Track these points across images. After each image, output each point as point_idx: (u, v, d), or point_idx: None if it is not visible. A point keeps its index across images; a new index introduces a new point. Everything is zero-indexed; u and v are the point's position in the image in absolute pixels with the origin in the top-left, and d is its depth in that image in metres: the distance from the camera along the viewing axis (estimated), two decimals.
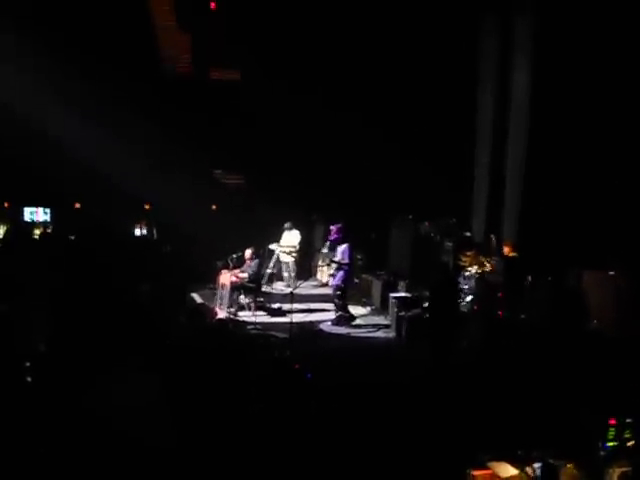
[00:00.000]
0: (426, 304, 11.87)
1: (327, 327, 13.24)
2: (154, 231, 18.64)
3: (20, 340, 8.90)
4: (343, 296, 13.50)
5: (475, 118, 16.04)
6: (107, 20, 16.20)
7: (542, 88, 13.21)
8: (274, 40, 16.70)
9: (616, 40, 11.60)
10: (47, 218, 18.61)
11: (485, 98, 15.73)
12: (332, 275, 13.93)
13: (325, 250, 14.79)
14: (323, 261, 17.80)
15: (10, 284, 10.08)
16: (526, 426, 7.37)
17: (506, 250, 13.00)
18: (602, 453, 6.70)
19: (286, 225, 16.50)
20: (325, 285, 17.53)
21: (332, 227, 13.82)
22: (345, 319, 13.38)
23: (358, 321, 13.66)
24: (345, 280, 13.46)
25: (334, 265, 13.74)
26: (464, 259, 13.44)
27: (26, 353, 8.57)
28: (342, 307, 13.47)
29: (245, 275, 14.14)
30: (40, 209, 18.69)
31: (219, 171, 20.40)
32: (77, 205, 19.01)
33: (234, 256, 14.27)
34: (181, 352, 8.87)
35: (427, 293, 12.12)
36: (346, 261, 13.31)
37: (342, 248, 13.37)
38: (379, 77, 16.52)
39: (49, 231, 17.82)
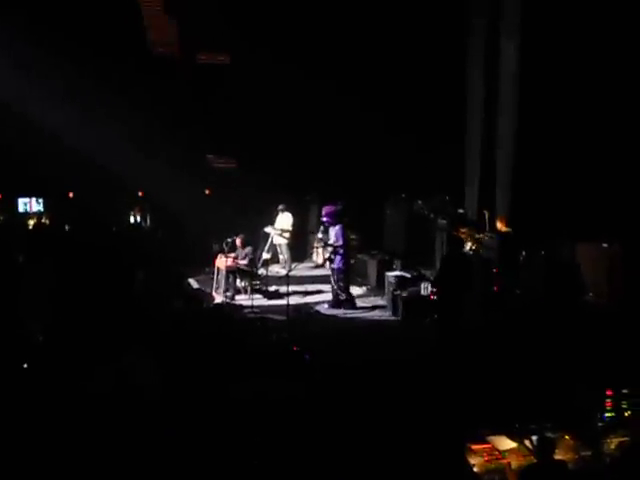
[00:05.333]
0: (433, 277, 11.83)
1: (324, 309, 13.21)
2: (147, 218, 18.60)
3: (19, 330, 8.94)
4: (344, 278, 13.30)
5: (465, 92, 15.95)
6: (95, 10, 16.09)
7: (531, 59, 13.08)
8: (259, 18, 16.51)
9: (605, 13, 11.57)
10: (40, 208, 18.55)
11: (474, 73, 15.62)
12: (329, 259, 13.48)
13: (320, 235, 14.56)
14: (317, 243, 17.78)
15: (6, 275, 10.11)
16: (523, 400, 7.45)
17: (499, 225, 13.02)
18: (600, 424, 6.79)
19: (280, 207, 16.39)
20: (321, 266, 17.52)
21: (323, 209, 13.59)
22: (348, 302, 13.19)
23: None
24: (345, 262, 13.23)
25: (329, 248, 13.42)
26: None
27: (25, 343, 8.61)
28: (344, 290, 13.26)
29: (245, 262, 14.14)
30: (33, 199, 18.63)
31: (211, 155, 20.32)
32: (70, 194, 18.94)
33: (229, 240, 14.21)
34: (178, 337, 8.90)
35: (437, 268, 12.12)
36: (340, 243, 13.06)
37: (335, 230, 13.15)
38: (366, 54, 16.38)
39: (44, 221, 17.80)
